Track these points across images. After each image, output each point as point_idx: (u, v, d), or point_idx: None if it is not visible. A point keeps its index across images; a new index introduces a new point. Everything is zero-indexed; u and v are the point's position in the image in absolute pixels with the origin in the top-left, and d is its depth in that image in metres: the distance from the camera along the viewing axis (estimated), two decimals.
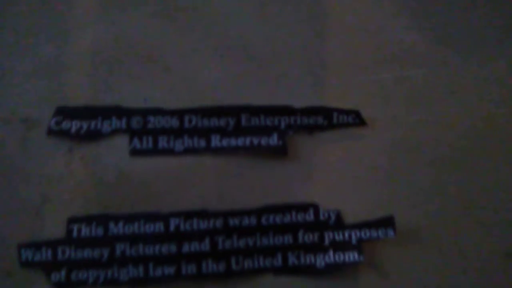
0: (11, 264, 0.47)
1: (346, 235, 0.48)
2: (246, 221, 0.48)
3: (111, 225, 0.48)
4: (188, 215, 0.48)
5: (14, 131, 0.50)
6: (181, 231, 0.47)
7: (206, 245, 0.47)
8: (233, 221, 0.48)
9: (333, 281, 0.48)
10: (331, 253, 0.48)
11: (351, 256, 0.47)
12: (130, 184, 0.49)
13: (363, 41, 0.55)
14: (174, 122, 0.51)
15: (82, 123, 0.50)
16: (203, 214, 0.48)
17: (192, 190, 0.49)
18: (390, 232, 0.47)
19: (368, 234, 0.48)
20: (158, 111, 0.51)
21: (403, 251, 0.49)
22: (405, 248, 0.49)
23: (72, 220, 0.48)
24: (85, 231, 0.47)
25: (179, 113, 0.51)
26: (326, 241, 0.48)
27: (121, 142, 0.50)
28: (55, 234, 0.47)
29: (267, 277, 0.48)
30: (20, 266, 0.47)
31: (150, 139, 0.50)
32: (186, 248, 0.47)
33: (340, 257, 0.48)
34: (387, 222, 0.48)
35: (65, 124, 0.50)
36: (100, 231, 0.47)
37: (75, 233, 0.47)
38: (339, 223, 0.49)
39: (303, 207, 0.49)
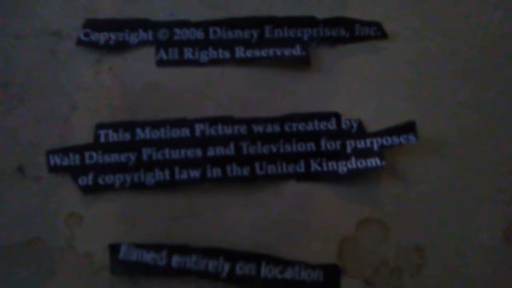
0: (39, 170, 0.44)
1: (368, 142, 0.45)
2: (269, 128, 0.45)
3: (138, 130, 0.45)
4: (213, 121, 0.44)
5: (45, 43, 0.46)
6: (206, 136, 0.44)
7: (231, 150, 0.44)
8: (257, 128, 0.45)
9: (354, 187, 0.45)
10: (353, 159, 0.45)
11: (373, 162, 0.44)
12: (156, 93, 0.45)
13: None
14: (199, 34, 0.47)
15: (110, 35, 0.46)
16: (228, 120, 0.45)
17: (216, 100, 0.45)
18: (412, 138, 0.44)
19: (389, 140, 0.44)
20: (183, 23, 0.47)
21: (423, 159, 0.45)
22: (425, 156, 0.45)
23: (99, 126, 0.45)
24: (112, 136, 0.45)
25: (204, 25, 0.47)
26: (348, 149, 0.45)
27: (148, 53, 0.46)
28: (83, 141, 0.44)
29: (290, 183, 0.44)
30: (48, 171, 0.44)
31: (176, 50, 0.46)
32: (211, 152, 0.44)
33: (362, 163, 0.44)
34: (408, 128, 0.44)
35: (94, 36, 0.46)
36: (127, 136, 0.44)
37: (102, 138, 0.44)
38: (361, 132, 0.45)
39: (325, 116, 0.46)
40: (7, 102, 0.45)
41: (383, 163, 0.43)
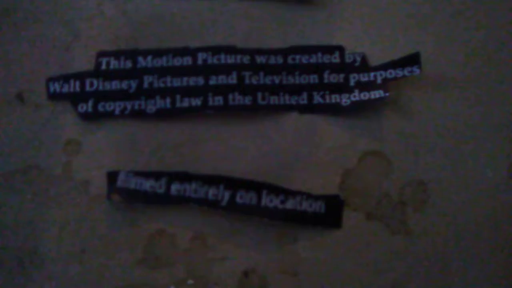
0: (39, 97, 0.41)
1: (371, 76, 0.41)
2: (272, 59, 0.42)
3: (140, 58, 0.41)
4: (216, 50, 0.41)
5: None
6: (209, 65, 0.41)
7: (233, 79, 0.41)
8: (260, 59, 0.41)
9: (358, 120, 0.41)
10: (356, 92, 0.41)
11: (376, 93, 0.40)
12: (159, 23, 0.41)
13: None
14: None
15: None
16: (231, 49, 0.41)
17: (219, 31, 0.42)
18: (416, 70, 0.40)
19: (393, 73, 0.41)
20: None
21: (427, 93, 0.41)
22: (429, 92, 0.41)
23: (101, 54, 0.41)
24: (113, 64, 0.41)
25: None
26: (351, 82, 0.42)
27: None
28: (84, 69, 0.41)
29: (292, 114, 0.41)
30: (48, 98, 0.40)
31: None
32: (213, 80, 0.41)
33: (365, 95, 0.41)
34: (412, 60, 0.40)
35: None
36: (128, 64, 0.41)
37: (103, 66, 0.41)
38: (364, 66, 0.42)
39: (329, 49, 0.42)
40: (9, 30, 0.42)
41: (387, 94, 0.40)
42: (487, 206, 0.40)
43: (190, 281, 0.38)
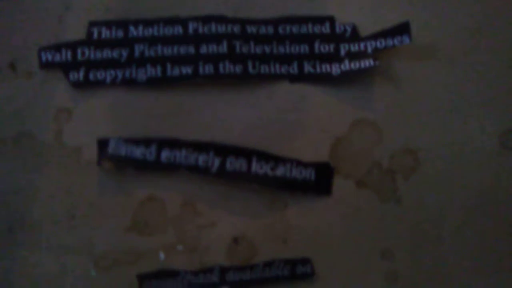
0: (31, 66, 0.41)
1: (362, 46, 0.41)
2: (263, 29, 0.41)
3: (131, 28, 0.41)
4: (206, 19, 0.40)
5: None
6: (200, 34, 0.40)
7: (223, 48, 0.40)
8: (251, 29, 0.41)
9: (348, 89, 0.41)
10: (346, 62, 0.41)
11: (367, 62, 0.40)
12: None
13: None
14: None
15: None
16: (221, 19, 0.40)
17: (210, 1, 0.41)
18: (406, 39, 0.40)
19: (383, 42, 0.41)
20: None
21: (417, 63, 0.41)
22: (419, 62, 0.41)
23: (92, 24, 0.41)
24: (105, 33, 0.41)
25: None
26: (342, 52, 0.41)
27: None
28: (76, 39, 0.41)
29: (283, 83, 0.40)
30: (40, 67, 0.40)
31: None
32: (204, 49, 0.40)
33: (356, 64, 0.40)
34: (402, 29, 0.40)
35: None
36: (120, 33, 0.41)
37: (95, 35, 0.41)
38: (354, 36, 0.42)
39: (319, 20, 0.41)
40: (1, 0, 0.42)
41: (377, 62, 0.40)
42: (477, 174, 0.40)
43: (180, 247, 0.38)
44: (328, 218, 0.39)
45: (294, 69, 0.41)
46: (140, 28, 0.40)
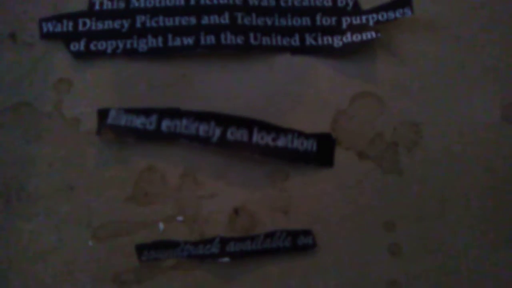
0: (32, 37, 0.40)
1: (364, 19, 0.40)
2: (265, 1, 0.40)
3: None
4: None
5: None
6: (201, 5, 0.40)
7: (225, 19, 0.40)
8: (252, 1, 0.40)
9: (350, 62, 0.40)
10: (348, 34, 0.41)
11: (368, 35, 0.39)
12: None
13: None
14: None
15: None
16: None
17: None
18: (407, 11, 0.39)
19: (385, 15, 0.40)
20: None
21: (419, 36, 0.40)
22: (422, 34, 0.40)
23: None
24: (106, 4, 0.40)
25: None
26: (344, 25, 0.41)
27: None
28: (77, 9, 0.41)
29: (284, 55, 0.40)
30: (41, 38, 0.40)
31: None
32: (205, 20, 0.40)
33: (357, 37, 0.40)
34: (404, 1, 0.39)
35: None
36: (121, 4, 0.40)
37: (97, 6, 0.40)
38: (356, 9, 0.41)
39: None
40: None
41: (379, 35, 0.39)
42: (479, 147, 0.39)
43: (180, 218, 0.37)
44: (329, 190, 0.38)
45: (295, 41, 0.40)
46: None
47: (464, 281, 0.38)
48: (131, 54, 0.39)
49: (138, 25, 0.39)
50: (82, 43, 0.39)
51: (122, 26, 0.39)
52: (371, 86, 0.40)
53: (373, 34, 0.39)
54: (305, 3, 0.41)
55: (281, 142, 0.38)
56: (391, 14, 0.40)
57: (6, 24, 0.40)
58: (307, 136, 0.38)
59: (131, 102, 0.39)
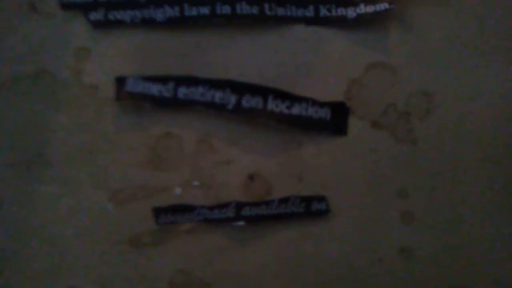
0: (52, 7, 0.41)
1: None
2: None
3: None
4: None
5: None
6: None
7: None
8: None
9: (364, 33, 0.40)
10: (362, 5, 0.41)
11: (382, 6, 0.40)
12: None
13: None
14: None
15: None
16: None
17: None
18: None
19: None
20: None
21: (432, 7, 0.40)
22: (434, 4, 0.41)
23: None
24: None
25: None
26: None
27: None
28: None
29: (299, 26, 0.41)
30: (61, 8, 0.41)
31: None
32: None
33: (371, 8, 0.40)
34: None
35: None
36: None
37: None
38: None
39: None
40: None
41: (392, 6, 0.39)
42: (492, 117, 0.39)
43: (196, 183, 0.38)
44: (343, 158, 0.38)
45: (310, 12, 0.40)
46: None
47: (476, 248, 0.38)
48: (149, 23, 0.40)
49: None
50: (101, 12, 0.40)
51: None
52: (384, 56, 0.40)
53: (386, 5, 0.39)
54: None
55: (295, 110, 0.38)
56: None
57: None
58: (322, 104, 0.39)
59: (148, 70, 0.39)
